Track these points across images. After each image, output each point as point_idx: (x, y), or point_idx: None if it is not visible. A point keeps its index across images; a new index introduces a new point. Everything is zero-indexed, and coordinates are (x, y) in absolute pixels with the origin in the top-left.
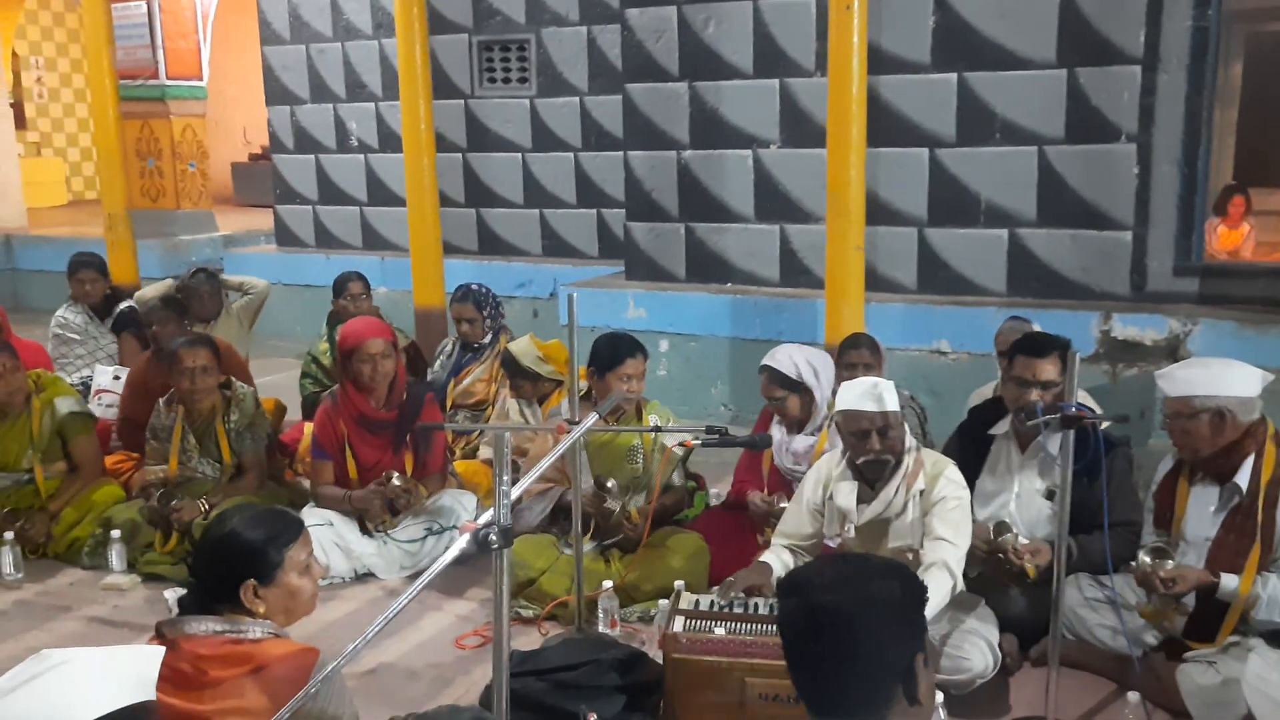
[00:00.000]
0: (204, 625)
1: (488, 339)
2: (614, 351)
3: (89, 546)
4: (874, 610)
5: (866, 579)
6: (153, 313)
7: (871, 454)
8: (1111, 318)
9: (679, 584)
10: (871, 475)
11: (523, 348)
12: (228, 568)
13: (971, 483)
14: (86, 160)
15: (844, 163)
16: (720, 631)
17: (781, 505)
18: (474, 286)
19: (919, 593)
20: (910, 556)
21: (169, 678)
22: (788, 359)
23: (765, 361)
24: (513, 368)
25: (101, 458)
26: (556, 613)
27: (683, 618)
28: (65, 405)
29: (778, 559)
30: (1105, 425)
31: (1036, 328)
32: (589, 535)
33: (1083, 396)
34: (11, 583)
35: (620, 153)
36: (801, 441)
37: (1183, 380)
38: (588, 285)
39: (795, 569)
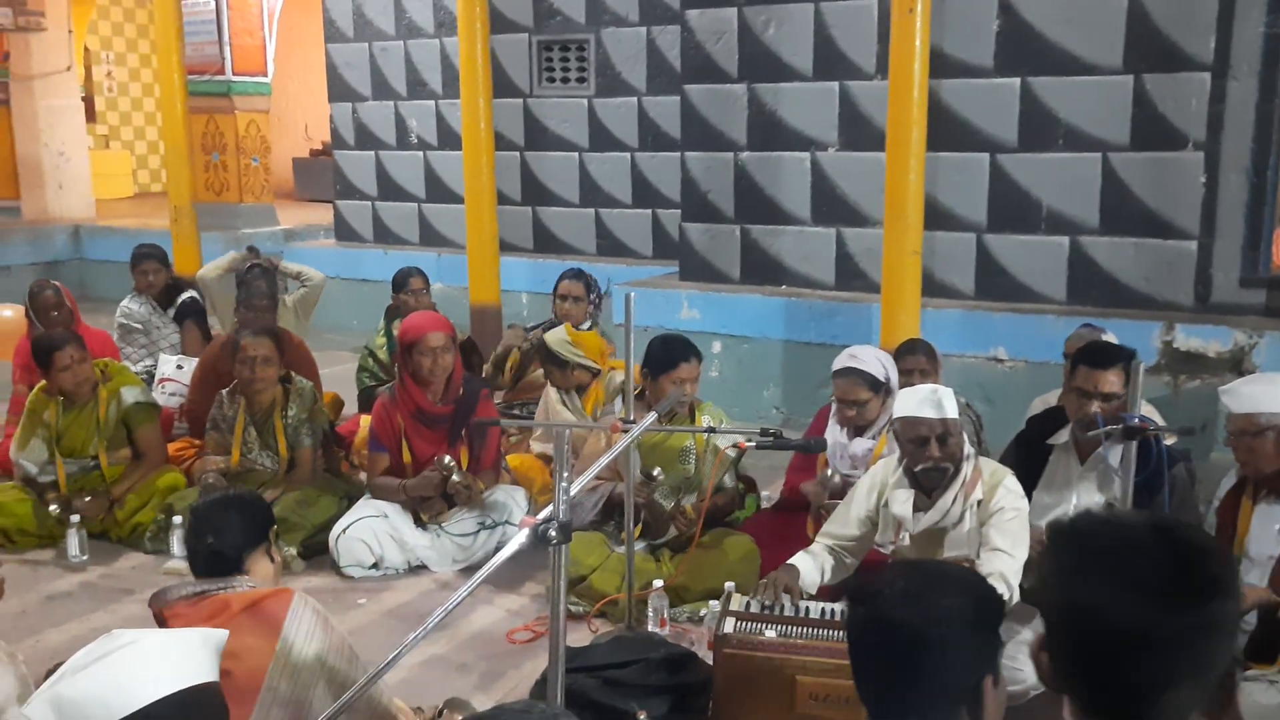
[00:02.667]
0: (185, 589)
1: (585, 325)
2: (668, 354)
3: (151, 532)
4: (942, 628)
5: (939, 595)
6: (254, 297)
7: (930, 462)
8: (1174, 328)
9: (729, 586)
10: (929, 483)
11: (556, 335)
12: (261, 523)
13: (1029, 493)
14: (153, 153)
15: (903, 166)
16: (771, 634)
17: (837, 478)
18: (584, 270)
19: (994, 610)
20: (966, 566)
21: None
22: (874, 360)
23: (849, 364)
24: (544, 353)
25: (164, 446)
26: (606, 610)
27: (733, 619)
28: (131, 395)
29: (813, 561)
30: (1170, 440)
31: (1110, 337)
32: (640, 534)
33: (1146, 408)
34: (77, 565)
35: (677, 153)
36: (860, 445)
37: (1248, 396)
38: (642, 285)
39: (869, 577)
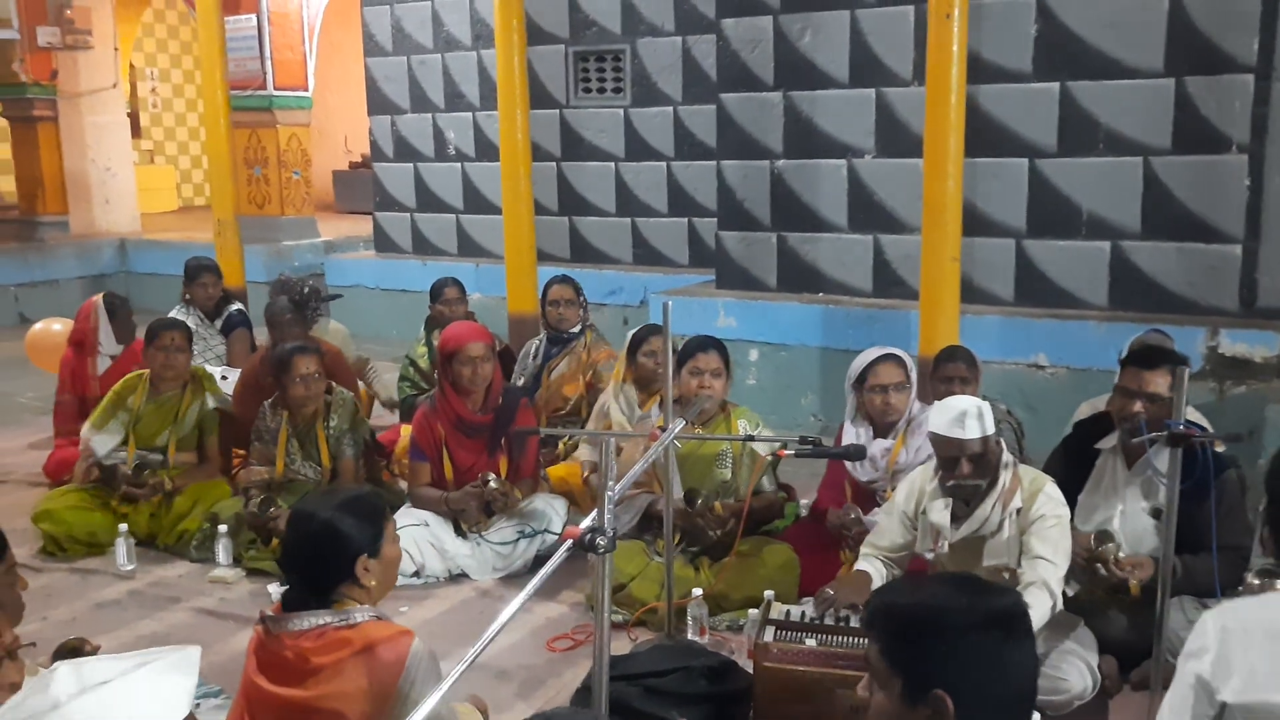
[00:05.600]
0: (306, 621)
1: (577, 328)
2: (687, 346)
3: (197, 540)
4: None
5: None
6: (279, 315)
7: (959, 480)
8: (1219, 333)
9: (769, 594)
10: (962, 496)
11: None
12: (341, 549)
13: (1075, 498)
14: (196, 168)
15: (941, 172)
16: (811, 643)
17: (854, 515)
18: (569, 274)
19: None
20: (1007, 575)
21: (269, 668)
22: (903, 353)
23: (887, 351)
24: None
25: (220, 457)
26: (646, 618)
27: (773, 628)
28: (213, 401)
29: (874, 569)
30: (1219, 447)
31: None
32: (678, 542)
33: (1194, 414)
34: (125, 573)
35: (713, 162)
36: (878, 446)
37: None
38: (678, 294)
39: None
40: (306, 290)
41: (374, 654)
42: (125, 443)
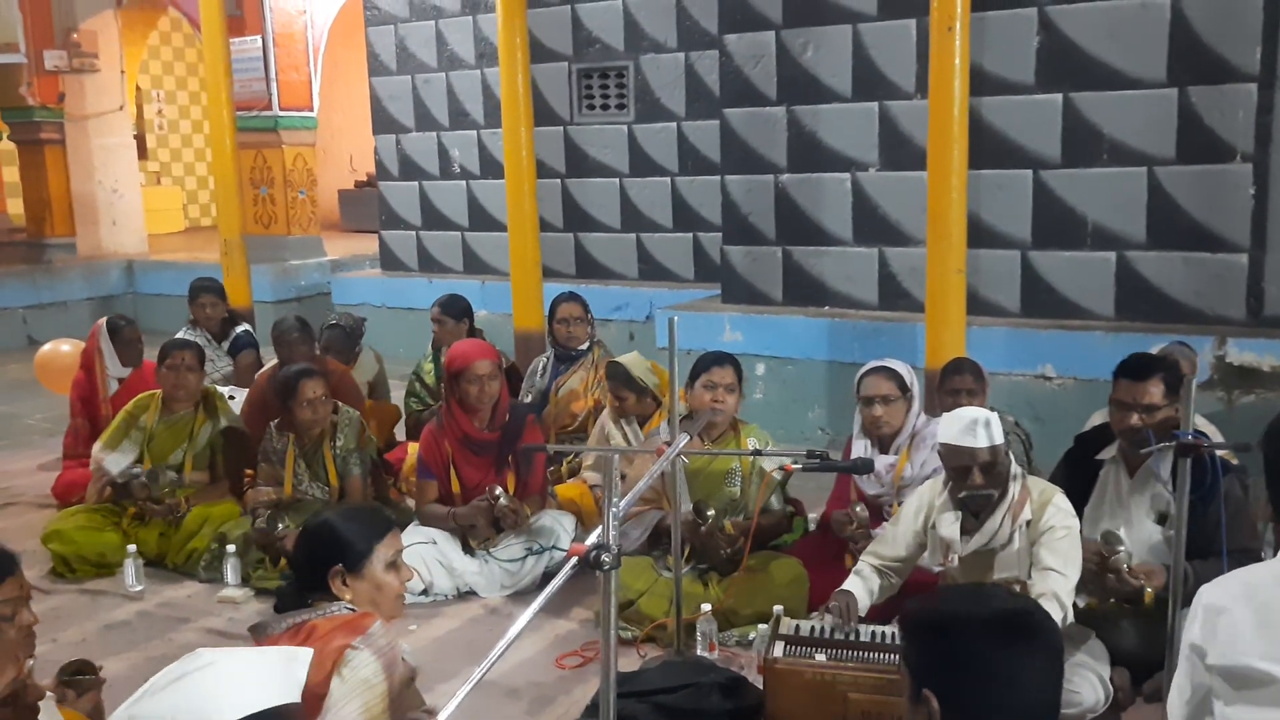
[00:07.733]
0: (285, 621)
1: (585, 345)
2: (702, 360)
3: (205, 560)
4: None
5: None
6: (286, 334)
7: (973, 490)
8: (1226, 342)
9: (778, 609)
10: (974, 508)
11: (633, 359)
12: (320, 555)
13: (1080, 509)
14: (202, 189)
15: (945, 185)
16: (821, 658)
17: (861, 512)
18: (575, 291)
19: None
20: (1017, 588)
21: None
22: (900, 366)
23: (878, 364)
24: (622, 378)
25: (230, 477)
26: (654, 635)
27: (783, 643)
28: (226, 420)
29: (863, 584)
30: (1223, 453)
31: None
32: (687, 558)
33: (1201, 423)
34: (134, 594)
35: (717, 177)
36: (883, 461)
37: None
38: (684, 308)
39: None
40: (366, 327)
41: (330, 636)
42: (139, 461)
